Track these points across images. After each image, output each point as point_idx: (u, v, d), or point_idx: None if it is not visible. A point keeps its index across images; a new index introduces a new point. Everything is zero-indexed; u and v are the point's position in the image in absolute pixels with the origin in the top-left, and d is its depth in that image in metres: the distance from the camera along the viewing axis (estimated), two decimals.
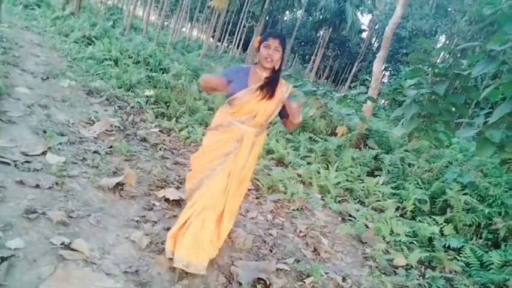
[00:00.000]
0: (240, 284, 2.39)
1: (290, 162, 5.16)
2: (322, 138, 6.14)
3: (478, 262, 3.43)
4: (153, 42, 12.53)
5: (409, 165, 5.62)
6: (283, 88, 2.26)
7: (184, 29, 33.03)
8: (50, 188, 2.74)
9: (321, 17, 30.95)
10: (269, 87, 2.17)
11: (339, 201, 4.52)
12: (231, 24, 32.03)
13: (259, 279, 2.50)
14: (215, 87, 2.15)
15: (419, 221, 4.15)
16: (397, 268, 3.30)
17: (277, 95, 2.20)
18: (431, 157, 5.96)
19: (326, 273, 2.88)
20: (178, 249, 2.23)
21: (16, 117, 3.85)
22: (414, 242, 3.70)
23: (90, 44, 9.71)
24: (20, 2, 14.44)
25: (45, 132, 3.69)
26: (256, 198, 3.98)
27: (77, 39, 9.99)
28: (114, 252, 2.32)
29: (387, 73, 31.29)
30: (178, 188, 3.53)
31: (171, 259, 2.30)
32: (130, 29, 15.36)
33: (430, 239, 3.84)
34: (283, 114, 2.31)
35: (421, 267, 3.43)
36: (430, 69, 5.78)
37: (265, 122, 2.30)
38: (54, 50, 8.46)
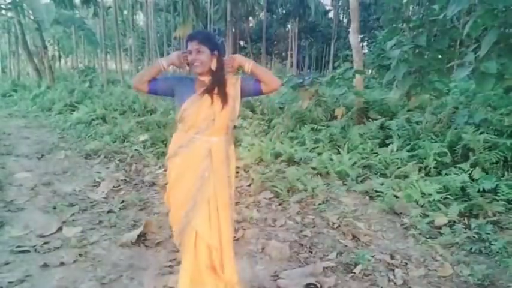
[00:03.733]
0: None
1: (301, 159, 5.07)
2: (323, 126, 6.06)
3: None
4: (133, 89, 12.55)
5: (417, 123, 5.51)
6: (232, 81, 1.98)
7: None
8: (74, 261, 2.68)
9: (284, 11, 31.13)
10: (217, 89, 1.93)
11: (360, 181, 4.42)
12: None
13: (308, 284, 2.41)
14: (152, 74, 1.96)
15: (446, 174, 4.03)
16: (440, 228, 3.18)
17: (230, 93, 1.95)
18: (436, 108, 5.85)
19: (372, 256, 2.78)
20: None
21: (23, 202, 3.81)
22: (448, 196, 3.59)
23: (74, 110, 9.73)
24: None
25: (55, 208, 3.65)
26: (279, 204, 3.90)
27: (60, 110, 10.04)
28: None
29: (365, 43, 31.21)
30: None
31: None
32: (108, 84, 15.44)
33: (463, 189, 3.72)
34: (256, 88, 1.99)
35: (464, 220, 3.31)
36: (405, 25, 5.71)
37: (231, 122, 2.01)
38: (42, 126, 8.48)
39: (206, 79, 1.96)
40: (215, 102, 1.92)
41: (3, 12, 15.43)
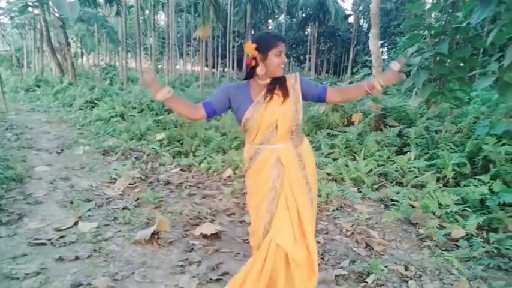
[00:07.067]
0: None
1: (316, 164, 5.03)
2: (340, 131, 6.01)
3: None
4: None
5: (436, 132, 5.41)
6: (291, 81, 1.91)
7: (178, 66, 33.75)
8: (89, 256, 2.72)
9: (303, 15, 31.08)
10: (279, 87, 1.87)
11: (376, 189, 4.36)
12: (220, 49, 32.48)
13: None
14: (189, 116, 1.89)
15: (465, 185, 3.94)
16: (457, 241, 3.11)
17: (290, 92, 1.88)
18: (456, 118, 5.73)
19: (386, 266, 2.74)
20: None
21: (42, 196, 3.90)
22: (466, 208, 3.50)
23: (94, 107, 9.94)
24: (21, 87, 15.02)
25: (72, 203, 3.71)
26: None
27: (81, 106, 10.25)
28: None
29: (385, 49, 30.87)
30: (212, 221, 3.47)
31: None
32: (128, 82, 15.70)
33: (482, 201, 3.63)
34: (321, 97, 1.95)
35: (482, 233, 3.23)
36: (426, 32, 5.59)
37: (296, 126, 1.89)
38: (62, 122, 8.68)
39: (264, 82, 1.89)
40: (276, 102, 1.84)
41: (30, 9, 15.89)
